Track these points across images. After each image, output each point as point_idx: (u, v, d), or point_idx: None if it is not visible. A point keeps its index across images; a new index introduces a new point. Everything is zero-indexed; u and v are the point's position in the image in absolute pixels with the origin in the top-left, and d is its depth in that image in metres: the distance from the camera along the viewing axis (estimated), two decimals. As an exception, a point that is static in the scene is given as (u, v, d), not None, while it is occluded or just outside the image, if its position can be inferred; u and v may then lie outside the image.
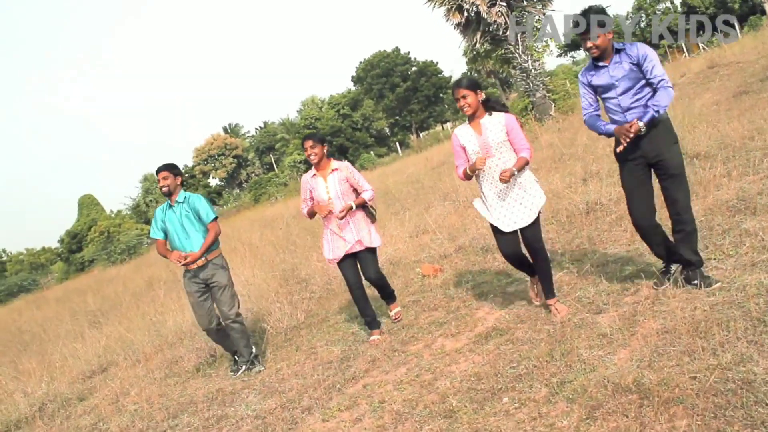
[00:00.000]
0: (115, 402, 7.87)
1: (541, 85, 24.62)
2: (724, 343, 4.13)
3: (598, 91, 5.38)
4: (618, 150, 5.18)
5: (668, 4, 67.74)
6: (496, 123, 5.63)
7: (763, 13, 58.58)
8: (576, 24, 5.25)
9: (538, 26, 25.52)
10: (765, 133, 9.23)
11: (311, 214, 6.97)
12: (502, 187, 5.60)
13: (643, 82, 5.14)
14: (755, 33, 34.27)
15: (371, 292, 7.43)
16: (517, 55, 24.61)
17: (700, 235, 5.83)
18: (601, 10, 5.20)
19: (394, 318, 7.20)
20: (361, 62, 77.92)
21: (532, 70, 24.46)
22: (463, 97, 5.61)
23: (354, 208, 6.71)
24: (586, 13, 5.19)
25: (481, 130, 5.65)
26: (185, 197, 7.15)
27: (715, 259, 5.60)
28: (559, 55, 74.64)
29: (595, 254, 6.93)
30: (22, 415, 8.52)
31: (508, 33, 24.43)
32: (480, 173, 5.68)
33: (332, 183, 6.76)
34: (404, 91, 73.94)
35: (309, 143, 6.75)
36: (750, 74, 16.76)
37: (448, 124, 74.82)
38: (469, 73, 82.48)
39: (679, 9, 65.53)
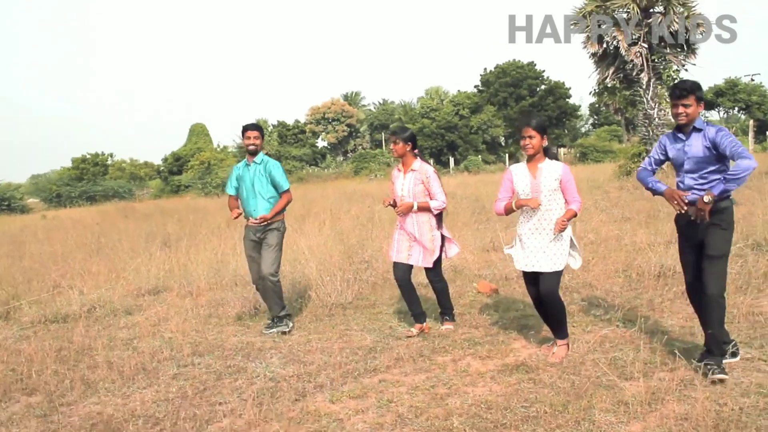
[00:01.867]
0: (155, 325, 8.18)
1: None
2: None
3: (669, 159, 5.41)
4: (678, 212, 5.27)
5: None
6: (552, 171, 5.80)
7: None
8: (674, 89, 5.25)
9: (675, 76, 24.77)
10: None
11: (389, 204, 7.07)
12: (538, 229, 5.84)
13: (713, 167, 5.10)
14: None
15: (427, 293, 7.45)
16: (645, 99, 23.98)
17: (752, 330, 5.82)
18: (700, 86, 5.22)
19: (444, 331, 7.12)
20: (495, 67, 77.34)
21: (656, 119, 23.81)
22: (530, 137, 5.75)
23: (415, 208, 6.79)
24: (686, 82, 5.25)
25: (536, 174, 5.81)
26: (263, 160, 7.47)
27: (764, 360, 5.37)
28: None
29: (650, 320, 6.75)
30: (71, 311, 8.95)
31: (642, 75, 23.82)
32: (523, 212, 5.93)
33: (408, 181, 6.88)
34: (529, 106, 73.01)
35: (393, 138, 6.96)
36: None
37: (563, 150, 73.78)
38: (597, 106, 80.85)
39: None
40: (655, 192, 5.39)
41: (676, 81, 24.53)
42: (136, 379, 6.17)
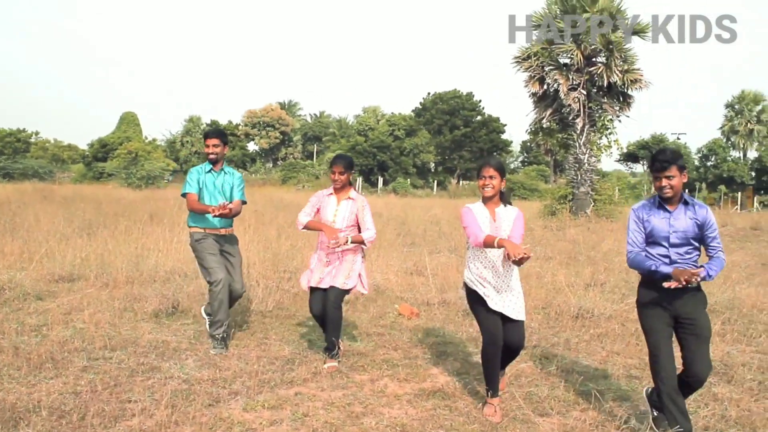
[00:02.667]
0: (67, 314, 7.92)
1: (588, 182, 24.61)
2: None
3: (647, 233, 5.00)
4: (670, 286, 4.71)
5: (740, 154, 67.78)
6: (509, 215, 5.54)
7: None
8: (655, 162, 4.90)
9: (608, 126, 25.52)
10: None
11: (308, 227, 6.69)
12: (503, 276, 5.47)
13: (696, 244, 4.91)
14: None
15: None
16: (577, 144, 24.62)
17: (735, 394, 5.89)
18: (681, 155, 4.94)
19: (327, 369, 6.38)
20: (433, 93, 78.25)
21: (586, 164, 24.46)
22: (491, 177, 5.47)
23: (349, 243, 6.49)
24: (665, 152, 4.89)
25: (495, 218, 5.52)
26: (231, 171, 7.22)
27: (673, 409, 5.51)
28: (618, 161, 74.76)
29: (566, 359, 6.87)
30: (-23, 290, 8.58)
31: (577, 120, 24.47)
32: (483, 257, 5.51)
33: (343, 209, 6.62)
34: (461, 136, 73.98)
35: (339, 168, 6.61)
36: (787, 250, 16.65)
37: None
38: (529, 144, 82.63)
39: (749, 164, 65.54)
40: (660, 276, 4.82)
41: (609, 130, 25.37)
42: (43, 368, 5.93)
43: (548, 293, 9.86)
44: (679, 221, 4.88)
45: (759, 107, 67.55)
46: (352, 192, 6.73)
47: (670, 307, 4.87)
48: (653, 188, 5.00)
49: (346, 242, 6.46)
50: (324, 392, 5.69)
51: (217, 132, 7.14)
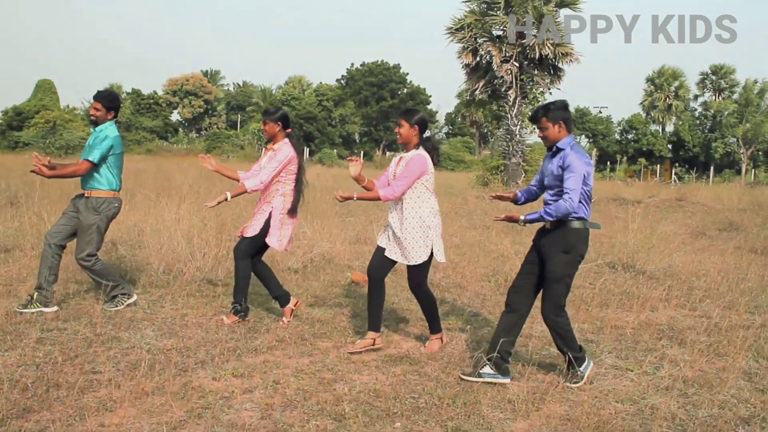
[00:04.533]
0: (7, 285, 7.61)
1: (520, 153, 24.98)
2: (620, 450, 4.19)
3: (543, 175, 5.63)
4: (494, 219, 5.67)
5: (659, 128, 69.95)
6: (406, 159, 5.91)
7: (739, 171, 60.80)
8: (535, 113, 5.54)
9: (539, 98, 25.92)
10: (710, 276, 9.51)
11: (217, 170, 6.71)
12: (397, 219, 5.91)
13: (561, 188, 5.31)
14: (726, 185, 35.50)
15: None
16: (509, 115, 24.93)
17: (628, 347, 6.20)
18: (562, 106, 5.41)
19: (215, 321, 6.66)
20: (362, 65, 77.93)
21: (517, 136, 24.80)
22: (399, 125, 5.92)
23: (228, 198, 7.02)
24: (547, 106, 5.46)
25: (400, 162, 5.97)
26: (99, 131, 6.86)
27: (633, 372, 5.69)
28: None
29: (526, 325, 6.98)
30: None
31: (509, 92, 24.74)
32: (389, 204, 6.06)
33: (265, 158, 6.77)
34: (388, 107, 74.07)
35: (263, 120, 6.90)
36: (712, 220, 17.32)
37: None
38: (453, 116, 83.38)
39: (667, 137, 67.75)
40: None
41: (540, 102, 25.79)
42: (-5, 339, 5.70)
43: (494, 261, 10.00)
44: (550, 165, 5.42)
45: (677, 83, 69.79)
46: (279, 144, 6.74)
47: (536, 245, 5.46)
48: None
49: (226, 199, 7.06)
50: (291, 360, 5.65)
51: (98, 96, 6.93)
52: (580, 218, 5.25)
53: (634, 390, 5.28)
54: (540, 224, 5.42)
